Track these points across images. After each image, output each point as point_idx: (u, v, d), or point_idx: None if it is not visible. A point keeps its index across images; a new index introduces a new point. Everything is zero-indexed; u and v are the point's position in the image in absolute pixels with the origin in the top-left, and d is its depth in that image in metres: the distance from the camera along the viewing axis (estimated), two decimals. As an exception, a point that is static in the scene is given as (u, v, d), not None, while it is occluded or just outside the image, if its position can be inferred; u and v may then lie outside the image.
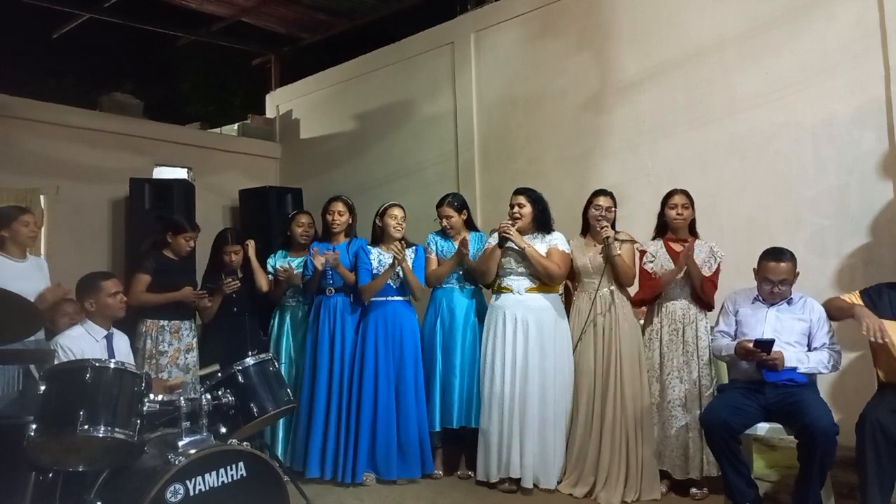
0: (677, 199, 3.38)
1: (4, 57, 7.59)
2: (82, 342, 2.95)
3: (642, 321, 3.56)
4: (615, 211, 3.51)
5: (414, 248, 3.74)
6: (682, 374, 3.26)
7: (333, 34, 6.89)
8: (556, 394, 3.40)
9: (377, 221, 3.75)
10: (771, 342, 2.84)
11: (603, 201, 3.47)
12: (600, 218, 3.41)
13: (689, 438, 3.20)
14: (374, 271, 3.66)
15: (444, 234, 3.81)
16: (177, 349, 3.60)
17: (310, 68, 7.05)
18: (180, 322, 3.64)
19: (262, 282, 3.83)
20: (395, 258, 3.53)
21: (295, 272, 3.85)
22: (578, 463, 3.35)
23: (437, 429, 3.62)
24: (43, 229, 5.28)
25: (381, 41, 6.34)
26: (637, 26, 4.64)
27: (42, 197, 5.39)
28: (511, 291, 3.51)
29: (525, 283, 3.52)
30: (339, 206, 3.82)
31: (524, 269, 3.51)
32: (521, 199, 3.55)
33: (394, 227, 3.65)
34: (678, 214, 3.36)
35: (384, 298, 3.67)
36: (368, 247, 3.73)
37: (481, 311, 3.70)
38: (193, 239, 3.76)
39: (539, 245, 3.52)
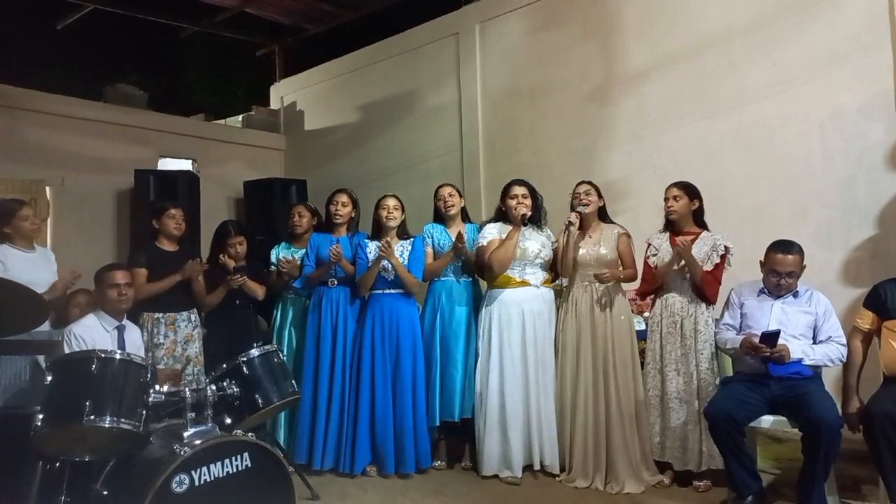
0: (668, 192, 3.37)
1: (9, 48, 7.60)
2: (94, 332, 2.97)
3: (647, 314, 3.56)
4: (597, 196, 3.51)
5: (411, 240, 3.73)
6: (680, 367, 3.25)
7: (337, 25, 6.86)
8: (549, 384, 3.46)
9: (375, 215, 3.75)
10: (777, 333, 2.84)
11: (580, 188, 3.51)
12: (577, 204, 3.45)
13: (688, 430, 3.20)
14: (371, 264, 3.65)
15: (441, 222, 3.80)
16: (173, 341, 3.57)
17: (314, 59, 7.03)
18: (176, 314, 3.61)
19: (258, 291, 3.84)
20: (378, 256, 3.54)
21: (298, 263, 3.85)
22: (581, 455, 3.35)
23: (437, 423, 3.61)
24: (48, 220, 5.31)
25: (385, 32, 6.31)
26: (643, 17, 4.61)
27: (48, 188, 5.41)
28: (528, 285, 3.49)
29: (541, 275, 3.55)
30: (344, 198, 3.82)
31: (541, 260, 3.53)
32: (525, 190, 3.55)
33: (386, 218, 3.66)
34: (668, 207, 3.35)
35: (381, 291, 3.66)
36: (366, 241, 3.72)
37: (479, 303, 3.68)
38: (177, 214, 3.69)
39: (539, 238, 3.55)
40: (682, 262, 3.25)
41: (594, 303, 3.41)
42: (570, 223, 3.37)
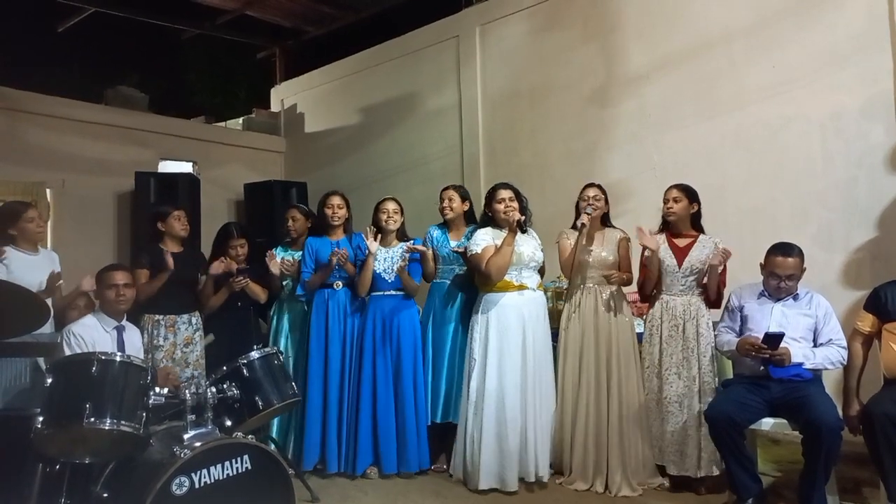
0: (668, 194, 3.37)
1: (10, 50, 7.61)
2: (94, 332, 2.98)
3: (644, 317, 3.55)
4: (604, 201, 3.51)
5: (411, 242, 3.72)
6: (681, 371, 3.23)
7: (338, 27, 6.87)
8: (546, 390, 3.42)
9: (374, 218, 3.74)
10: (780, 335, 2.83)
11: (590, 191, 3.49)
12: (586, 206, 3.43)
13: (687, 435, 3.18)
14: (374, 268, 3.65)
15: (444, 223, 3.79)
16: (172, 343, 3.55)
17: (314, 62, 7.04)
18: (176, 316, 3.59)
19: (260, 294, 3.85)
20: (368, 249, 3.57)
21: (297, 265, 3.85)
22: (581, 458, 3.35)
23: (429, 422, 3.61)
24: (49, 222, 5.31)
25: (386, 34, 6.32)
26: (643, 18, 4.61)
27: (48, 190, 5.42)
28: (526, 288, 3.46)
29: (535, 279, 3.54)
30: (338, 200, 3.81)
31: (535, 263, 3.51)
32: (511, 193, 3.51)
33: (385, 221, 3.66)
34: (668, 209, 3.35)
35: (382, 293, 3.67)
36: (366, 243, 3.72)
37: (471, 307, 3.62)
38: (182, 216, 3.71)
39: (530, 242, 3.52)
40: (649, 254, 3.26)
41: (599, 305, 3.40)
42: (584, 224, 3.36)
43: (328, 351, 3.66)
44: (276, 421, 3.74)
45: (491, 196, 3.55)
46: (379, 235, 3.67)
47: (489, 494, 3.29)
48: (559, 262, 3.54)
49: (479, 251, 3.42)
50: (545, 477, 3.35)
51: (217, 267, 3.68)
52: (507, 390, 3.33)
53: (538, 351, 3.41)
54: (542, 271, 3.65)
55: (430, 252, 3.72)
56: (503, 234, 3.41)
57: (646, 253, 3.34)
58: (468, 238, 3.61)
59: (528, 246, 3.49)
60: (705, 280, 3.30)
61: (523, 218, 3.42)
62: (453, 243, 3.71)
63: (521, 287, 3.45)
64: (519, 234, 3.44)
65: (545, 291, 3.72)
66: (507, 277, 3.42)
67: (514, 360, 3.36)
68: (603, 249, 3.46)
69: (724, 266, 3.27)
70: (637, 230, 3.31)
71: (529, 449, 3.31)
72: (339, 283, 3.72)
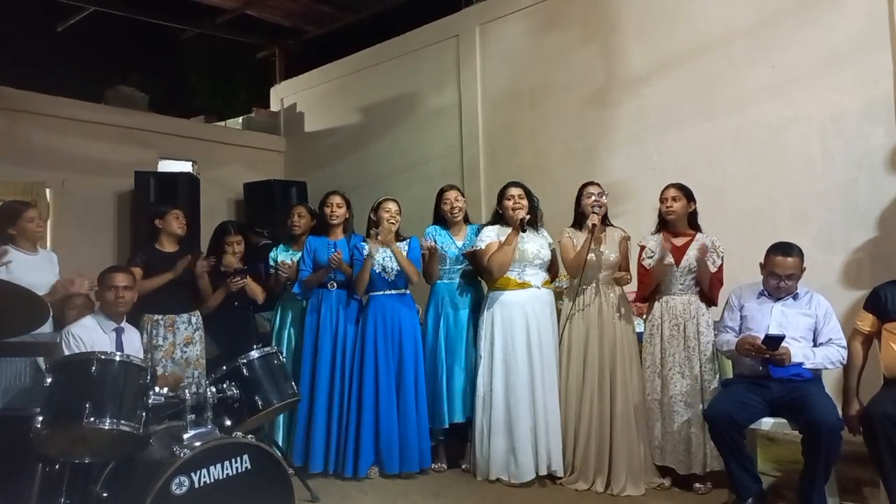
0: (667, 193, 3.38)
1: (10, 50, 7.61)
2: (93, 333, 2.99)
3: (645, 316, 3.55)
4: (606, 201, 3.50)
5: (408, 240, 3.74)
6: (684, 370, 3.24)
7: (338, 27, 6.87)
8: (553, 386, 3.43)
9: (372, 216, 3.74)
10: (781, 337, 2.83)
11: (594, 189, 3.49)
12: (593, 205, 3.42)
13: (692, 434, 3.19)
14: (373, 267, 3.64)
15: (440, 223, 3.81)
16: (172, 343, 3.55)
17: (314, 61, 7.04)
18: (176, 316, 3.58)
19: (258, 293, 3.85)
20: (369, 251, 3.57)
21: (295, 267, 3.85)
22: (583, 457, 3.35)
23: (446, 425, 3.61)
24: (49, 222, 5.31)
25: (385, 34, 6.32)
26: (643, 18, 4.61)
27: (48, 190, 5.42)
28: (529, 286, 3.49)
29: (541, 276, 3.54)
30: (338, 200, 3.81)
31: (540, 260, 3.52)
32: (521, 191, 3.54)
33: (387, 221, 3.66)
34: (667, 208, 3.35)
35: (382, 293, 3.67)
36: (363, 243, 3.72)
37: (480, 305, 3.66)
38: (181, 214, 3.71)
39: (537, 240, 3.53)
40: (669, 261, 3.24)
41: (604, 305, 3.41)
42: (595, 225, 3.36)
43: (318, 351, 3.66)
44: (280, 421, 3.74)
45: (501, 193, 3.60)
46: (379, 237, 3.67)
47: (489, 491, 3.30)
48: (562, 261, 3.55)
49: (483, 247, 3.49)
50: (559, 471, 3.37)
51: (202, 266, 3.61)
52: (515, 386, 3.38)
53: (544, 348, 3.43)
54: (552, 270, 3.66)
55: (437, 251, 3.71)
56: (510, 231, 3.44)
57: (666, 261, 3.31)
58: (474, 235, 3.64)
59: (534, 244, 3.51)
60: None
61: (528, 216, 3.44)
62: (459, 243, 3.73)
63: (524, 285, 3.48)
64: (525, 231, 3.45)
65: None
66: (509, 274, 3.47)
67: (521, 357, 3.40)
68: (607, 249, 3.47)
69: (721, 264, 3.26)
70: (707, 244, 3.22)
71: (541, 443, 3.35)
72: (334, 283, 3.72)
